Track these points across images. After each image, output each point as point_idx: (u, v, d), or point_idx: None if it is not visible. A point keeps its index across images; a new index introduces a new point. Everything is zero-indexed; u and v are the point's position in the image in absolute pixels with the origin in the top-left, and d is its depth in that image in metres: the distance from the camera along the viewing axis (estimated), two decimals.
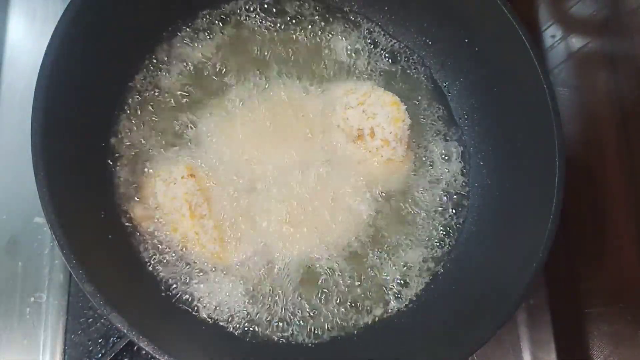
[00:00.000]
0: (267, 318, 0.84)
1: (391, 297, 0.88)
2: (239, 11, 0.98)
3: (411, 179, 0.95)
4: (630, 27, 0.92)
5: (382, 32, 1.01)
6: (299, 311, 0.85)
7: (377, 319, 0.87)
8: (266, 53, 0.96)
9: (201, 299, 0.83)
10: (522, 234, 0.84)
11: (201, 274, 0.85)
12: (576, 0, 1.03)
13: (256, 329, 0.84)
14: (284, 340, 0.84)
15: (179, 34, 0.94)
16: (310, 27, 0.99)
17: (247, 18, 0.98)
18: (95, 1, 0.78)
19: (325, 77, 0.97)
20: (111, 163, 0.86)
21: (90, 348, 0.88)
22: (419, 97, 1.00)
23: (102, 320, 0.88)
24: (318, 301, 0.86)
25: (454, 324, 0.82)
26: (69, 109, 0.76)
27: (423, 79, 1.01)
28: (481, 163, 0.96)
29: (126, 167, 0.86)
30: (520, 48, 0.85)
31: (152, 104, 0.90)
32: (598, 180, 0.97)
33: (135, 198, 0.85)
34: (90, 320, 0.89)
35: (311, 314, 0.86)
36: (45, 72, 0.73)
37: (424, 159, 0.96)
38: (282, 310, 0.85)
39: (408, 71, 1.00)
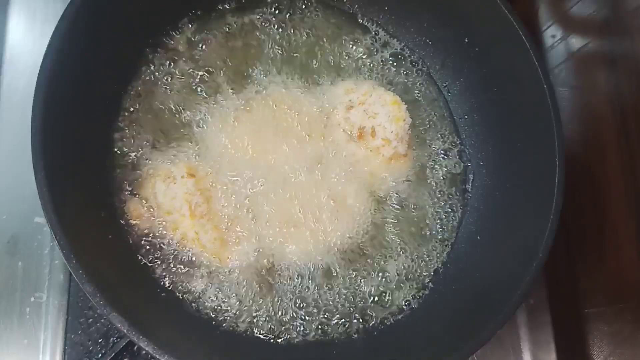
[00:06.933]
0: (266, 318, 0.84)
1: (391, 297, 0.88)
2: (239, 11, 0.98)
3: (412, 178, 0.95)
4: (630, 27, 0.92)
5: (382, 32, 1.01)
6: (299, 311, 0.85)
7: (376, 319, 0.87)
8: (266, 52, 0.96)
9: (201, 299, 0.83)
10: (522, 234, 0.84)
11: (201, 273, 0.84)
12: (576, 0, 1.03)
13: (256, 328, 0.84)
14: (284, 340, 0.84)
15: (179, 33, 0.94)
16: (310, 26, 0.99)
17: (247, 18, 0.98)
18: (95, 1, 0.78)
19: (326, 76, 0.97)
20: (111, 163, 0.86)
21: (90, 348, 0.88)
22: (419, 97, 1.00)
23: (102, 320, 0.88)
24: (318, 301, 0.86)
25: (454, 324, 0.82)
26: (68, 109, 0.76)
27: (423, 79, 1.01)
28: (481, 163, 0.96)
29: (126, 167, 0.86)
30: (520, 48, 0.85)
31: (152, 103, 0.90)
32: (598, 180, 0.97)
33: (135, 198, 0.85)
34: (90, 320, 0.89)
35: (311, 314, 0.86)
36: (45, 72, 0.73)
37: (424, 158, 0.96)
38: (282, 311, 0.85)
39: (408, 71, 1.01)
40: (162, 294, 0.82)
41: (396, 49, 1.01)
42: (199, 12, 0.96)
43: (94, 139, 0.84)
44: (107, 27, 0.82)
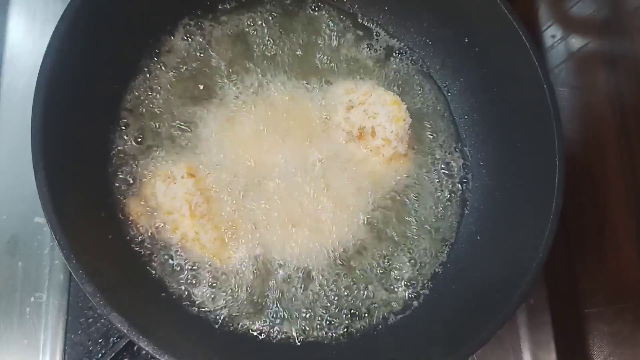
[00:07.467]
0: (267, 318, 0.84)
1: (391, 298, 0.88)
2: (239, 10, 0.98)
3: (412, 179, 0.95)
4: (630, 27, 0.92)
5: (382, 32, 1.01)
6: (299, 312, 0.85)
7: (376, 319, 0.87)
8: (266, 52, 0.96)
9: (201, 299, 0.83)
10: (522, 234, 0.84)
11: (201, 273, 0.84)
12: (576, 0, 1.03)
13: (256, 328, 0.84)
14: (284, 341, 0.84)
15: (179, 33, 0.94)
16: (310, 26, 0.99)
17: (247, 18, 0.98)
18: (95, 1, 0.78)
19: (326, 76, 0.97)
20: (111, 163, 0.86)
21: (90, 348, 0.88)
22: (419, 97, 1.00)
23: (102, 320, 0.88)
24: (318, 302, 0.86)
25: (454, 324, 0.82)
26: (68, 109, 0.76)
27: (423, 79, 1.01)
28: (481, 163, 0.96)
29: (126, 167, 0.86)
30: (520, 48, 0.85)
31: (151, 103, 0.90)
32: (598, 180, 0.97)
33: (135, 198, 0.85)
34: (90, 320, 0.89)
35: (311, 314, 0.86)
36: (45, 72, 0.73)
37: (424, 158, 0.96)
38: (282, 311, 0.85)
39: (408, 71, 1.01)
40: (162, 294, 0.82)
41: (396, 49, 1.01)
42: (199, 12, 0.96)
43: (94, 139, 0.84)
44: (107, 27, 0.82)
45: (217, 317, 0.83)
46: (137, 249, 0.83)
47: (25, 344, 0.87)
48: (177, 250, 0.84)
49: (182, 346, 0.73)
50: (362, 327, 0.86)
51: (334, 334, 0.85)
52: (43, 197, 0.69)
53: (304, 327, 0.85)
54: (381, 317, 0.87)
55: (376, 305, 0.88)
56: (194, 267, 0.85)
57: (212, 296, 0.84)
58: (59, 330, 0.88)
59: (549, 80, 0.84)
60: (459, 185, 0.96)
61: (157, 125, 0.89)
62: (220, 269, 0.85)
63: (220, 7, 0.97)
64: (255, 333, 0.84)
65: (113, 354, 0.84)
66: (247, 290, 0.85)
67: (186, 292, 0.83)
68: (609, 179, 0.95)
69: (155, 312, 0.80)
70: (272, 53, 0.97)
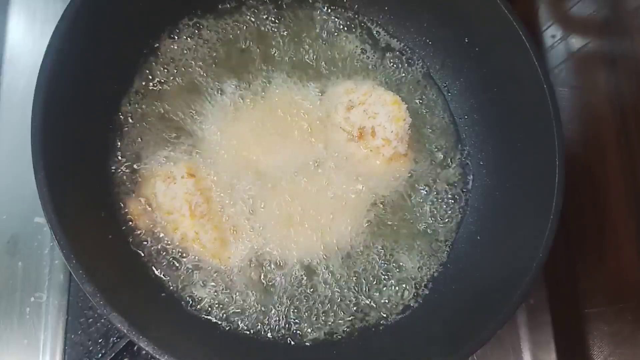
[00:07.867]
0: (267, 318, 0.84)
1: (391, 297, 0.88)
2: (239, 10, 0.98)
3: (412, 178, 0.95)
4: (630, 27, 0.92)
5: (382, 32, 1.02)
6: (299, 311, 0.85)
7: (376, 319, 0.87)
8: (266, 52, 0.96)
9: (201, 299, 0.83)
10: (522, 234, 0.84)
11: (201, 273, 0.85)
12: (576, 0, 1.03)
13: (256, 328, 0.84)
14: (284, 340, 0.84)
15: (179, 33, 0.94)
16: (310, 26, 0.99)
17: (247, 17, 0.98)
18: (94, 1, 0.78)
19: (326, 76, 0.97)
20: (111, 163, 0.86)
21: (90, 348, 0.88)
22: (419, 97, 1.00)
23: (102, 320, 0.88)
24: (318, 301, 0.86)
25: (454, 324, 0.82)
26: (68, 109, 0.76)
27: (423, 79, 1.01)
28: (481, 163, 0.96)
29: (126, 167, 0.86)
30: (520, 48, 0.85)
31: (152, 103, 0.90)
32: (598, 180, 0.97)
33: (135, 198, 0.85)
34: (90, 320, 0.89)
35: (311, 314, 0.86)
36: (45, 72, 0.73)
37: (424, 158, 0.96)
38: (282, 310, 0.85)
39: (408, 71, 1.01)
40: (162, 294, 0.82)
41: (396, 49, 1.01)
42: (199, 12, 0.96)
43: (94, 139, 0.84)
44: (107, 27, 0.82)
45: (217, 317, 0.83)
46: (137, 249, 0.84)
47: (25, 344, 0.87)
48: (177, 250, 0.84)
49: (182, 346, 0.73)
50: (362, 327, 0.86)
51: (334, 334, 0.85)
52: (43, 197, 0.69)
53: (303, 327, 0.85)
54: (381, 317, 0.87)
55: (376, 305, 0.88)
56: (193, 267, 0.85)
57: (212, 296, 0.84)
58: (59, 330, 0.88)
59: (549, 80, 0.84)
60: (459, 185, 0.96)
61: (158, 125, 0.89)
62: (220, 269, 0.85)
63: (220, 7, 0.97)
64: (255, 333, 0.84)
65: (113, 354, 0.84)
66: (246, 290, 0.85)
67: (186, 292, 0.83)
68: (609, 179, 0.95)
69: (155, 312, 0.80)
70: (272, 53, 0.97)
